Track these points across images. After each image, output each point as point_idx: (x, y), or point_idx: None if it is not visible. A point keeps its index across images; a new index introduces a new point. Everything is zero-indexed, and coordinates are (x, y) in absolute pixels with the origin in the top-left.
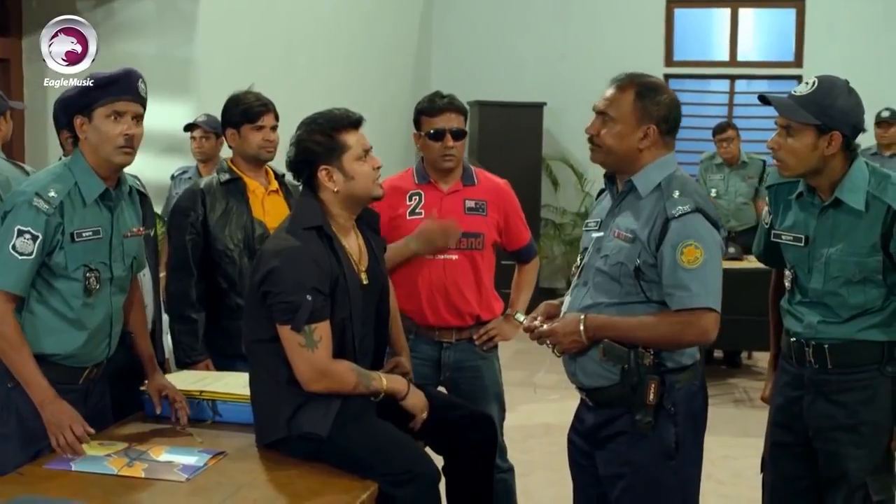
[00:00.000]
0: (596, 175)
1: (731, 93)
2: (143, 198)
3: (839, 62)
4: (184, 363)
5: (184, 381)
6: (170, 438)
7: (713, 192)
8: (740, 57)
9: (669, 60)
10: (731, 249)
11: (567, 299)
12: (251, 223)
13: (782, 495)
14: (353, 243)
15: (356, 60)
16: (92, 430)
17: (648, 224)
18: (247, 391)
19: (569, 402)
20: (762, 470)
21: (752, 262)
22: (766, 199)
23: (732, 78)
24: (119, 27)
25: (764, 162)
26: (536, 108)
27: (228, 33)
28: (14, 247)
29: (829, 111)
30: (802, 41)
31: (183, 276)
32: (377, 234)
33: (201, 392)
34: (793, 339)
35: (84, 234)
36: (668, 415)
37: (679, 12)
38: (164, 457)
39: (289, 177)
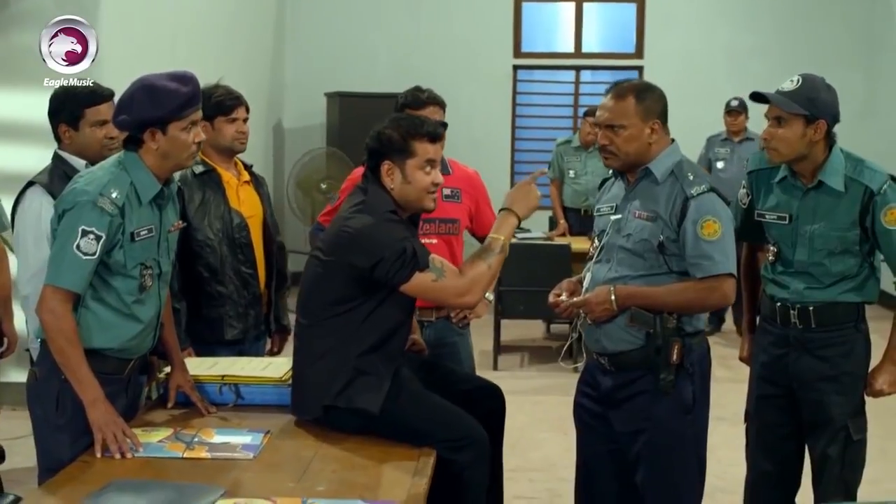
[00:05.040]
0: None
1: (577, 83)
2: (179, 191)
3: (677, 54)
4: None
5: (199, 367)
6: (204, 421)
7: (571, 173)
8: (585, 49)
9: (518, 52)
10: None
11: (588, 276)
12: (228, 213)
13: (767, 441)
14: None
15: (226, 54)
16: (138, 440)
17: (669, 204)
18: (265, 374)
19: None
20: (746, 420)
21: None
22: (745, 182)
23: (578, 69)
24: (15, 18)
25: None
26: (394, 99)
27: (127, 26)
28: (78, 246)
29: (816, 103)
30: (643, 34)
31: None
32: (415, 227)
33: (223, 377)
34: (778, 304)
35: (141, 234)
36: (686, 374)
37: (526, 6)
38: (218, 438)
39: (257, 168)
